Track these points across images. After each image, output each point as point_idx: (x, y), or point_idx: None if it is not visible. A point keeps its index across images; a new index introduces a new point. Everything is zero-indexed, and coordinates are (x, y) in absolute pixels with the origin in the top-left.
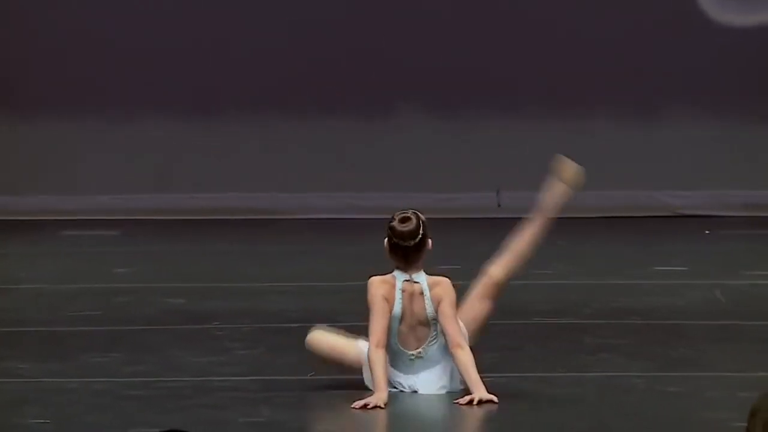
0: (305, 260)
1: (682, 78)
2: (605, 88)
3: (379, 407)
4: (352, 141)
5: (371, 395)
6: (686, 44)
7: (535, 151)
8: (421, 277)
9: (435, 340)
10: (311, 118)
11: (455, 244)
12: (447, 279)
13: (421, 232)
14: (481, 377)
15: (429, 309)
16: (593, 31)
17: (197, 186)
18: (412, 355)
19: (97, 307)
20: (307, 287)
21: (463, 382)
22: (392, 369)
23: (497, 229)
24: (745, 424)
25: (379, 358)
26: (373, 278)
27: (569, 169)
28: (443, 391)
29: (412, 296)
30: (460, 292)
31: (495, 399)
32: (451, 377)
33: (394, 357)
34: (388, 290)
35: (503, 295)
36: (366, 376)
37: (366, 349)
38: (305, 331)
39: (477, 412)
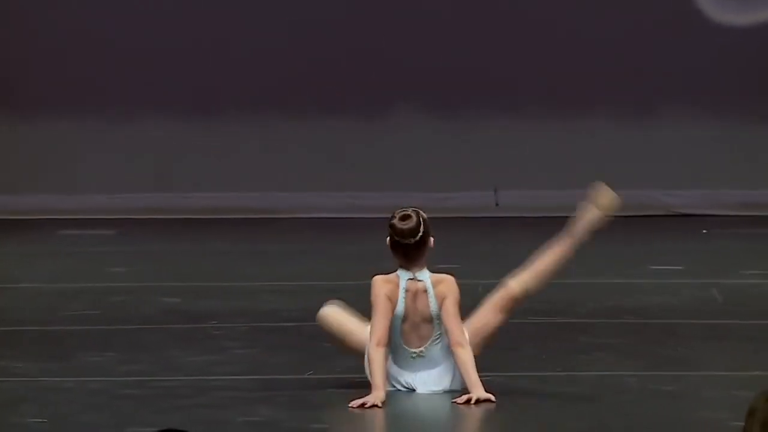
0: (304, 260)
1: (681, 78)
2: (605, 88)
3: (377, 406)
4: (352, 141)
5: (369, 394)
6: (686, 44)
7: (534, 151)
8: (425, 275)
9: (438, 340)
10: (311, 118)
11: (455, 243)
12: (451, 276)
13: (421, 230)
14: (479, 376)
15: (433, 306)
16: (593, 31)
17: (197, 186)
18: (414, 353)
19: (95, 306)
20: (305, 286)
21: (463, 381)
22: (393, 365)
23: (495, 229)
24: (741, 423)
25: (379, 357)
26: (377, 277)
27: (606, 195)
28: (441, 391)
29: (415, 294)
30: (463, 294)
31: (492, 398)
32: (452, 379)
33: (396, 353)
34: (391, 290)
35: (517, 310)
36: (367, 365)
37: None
38: (303, 331)
39: (474, 411)
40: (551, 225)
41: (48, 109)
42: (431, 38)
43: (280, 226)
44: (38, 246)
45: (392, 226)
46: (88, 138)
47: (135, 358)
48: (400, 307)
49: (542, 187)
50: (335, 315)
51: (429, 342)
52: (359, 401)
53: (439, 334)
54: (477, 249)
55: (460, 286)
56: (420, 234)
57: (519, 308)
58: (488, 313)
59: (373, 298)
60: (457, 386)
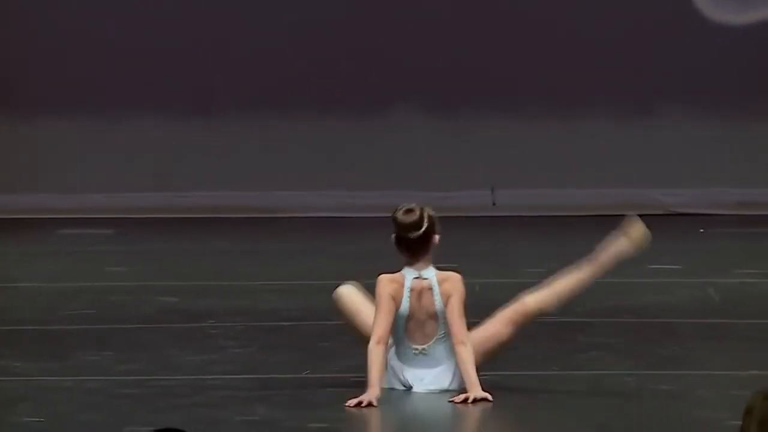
0: (303, 259)
1: (681, 78)
2: (605, 88)
3: (372, 404)
4: (352, 140)
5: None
6: (686, 44)
7: (535, 151)
8: (431, 273)
9: (443, 339)
10: (311, 117)
11: (453, 243)
12: (457, 274)
13: (425, 224)
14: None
15: (438, 304)
16: (593, 31)
17: (197, 185)
18: (416, 349)
19: (93, 305)
20: (304, 286)
21: (462, 382)
22: (396, 359)
23: (495, 228)
24: (738, 422)
25: (378, 355)
26: (382, 276)
27: (638, 229)
28: (438, 391)
29: (420, 293)
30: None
31: (489, 397)
32: (452, 379)
33: (399, 348)
34: (396, 289)
35: (527, 326)
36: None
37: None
38: (301, 330)
39: (472, 411)
40: (551, 224)
41: (48, 109)
42: (431, 38)
43: (279, 226)
44: (37, 245)
45: (395, 219)
46: (88, 138)
47: (133, 358)
48: (405, 306)
49: (542, 187)
50: (351, 295)
51: (433, 340)
52: (355, 400)
53: (444, 333)
54: (476, 248)
55: (466, 285)
56: (423, 228)
57: (529, 325)
58: (498, 325)
59: (377, 297)
60: (456, 387)
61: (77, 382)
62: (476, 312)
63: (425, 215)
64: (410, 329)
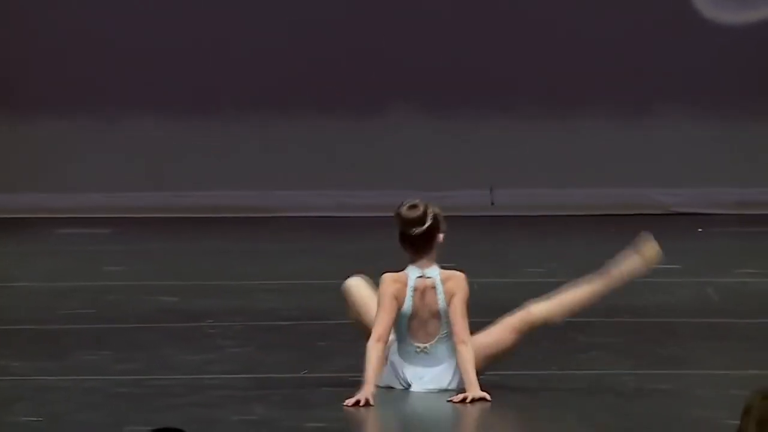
0: (303, 258)
1: (681, 78)
2: (605, 88)
3: (369, 402)
4: (351, 140)
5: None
6: (685, 44)
7: (534, 151)
8: (434, 272)
9: (445, 338)
10: (311, 117)
11: (452, 242)
12: (461, 273)
13: (428, 220)
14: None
15: (441, 303)
16: (593, 31)
17: (196, 185)
18: (418, 347)
19: (91, 305)
20: (303, 285)
21: (462, 382)
22: (398, 356)
23: (494, 228)
24: (737, 422)
25: (376, 352)
26: (386, 275)
27: (651, 248)
28: (437, 390)
29: (424, 292)
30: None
31: (488, 397)
32: (452, 379)
33: (401, 345)
34: (399, 289)
35: (531, 335)
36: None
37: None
38: (299, 329)
39: (470, 410)
40: (550, 224)
41: (47, 109)
42: (431, 38)
43: (278, 225)
44: (36, 245)
45: (398, 215)
46: (88, 138)
47: (131, 357)
48: (407, 306)
49: (542, 187)
50: (359, 288)
51: (435, 339)
52: (353, 400)
53: (446, 332)
54: (475, 248)
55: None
56: (426, 225)
57: (533, 334)
58: (502, 332)
59: (379, 295)
60: (455, 386)
61: (75, 382)
62: (476, 312)
63: (429, 212)
64: (413, 327)
